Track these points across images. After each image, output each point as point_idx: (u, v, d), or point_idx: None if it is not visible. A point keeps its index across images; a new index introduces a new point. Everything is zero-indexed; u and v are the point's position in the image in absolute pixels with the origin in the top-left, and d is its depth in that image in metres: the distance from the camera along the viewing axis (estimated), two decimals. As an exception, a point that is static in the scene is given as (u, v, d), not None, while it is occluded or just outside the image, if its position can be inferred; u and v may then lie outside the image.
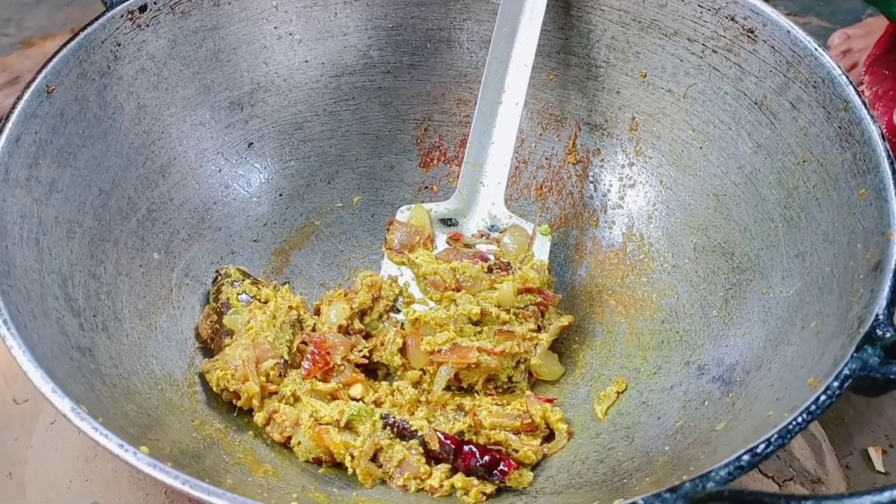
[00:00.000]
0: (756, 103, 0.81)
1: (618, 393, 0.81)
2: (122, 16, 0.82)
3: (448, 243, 0.89)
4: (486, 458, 0.74)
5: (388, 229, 0.90)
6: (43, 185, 0.74)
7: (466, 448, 0.74)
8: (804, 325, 0.69)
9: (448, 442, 0.75)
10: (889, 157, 0.69)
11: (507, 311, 0.82)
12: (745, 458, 0.56)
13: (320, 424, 0.76)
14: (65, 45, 0.78)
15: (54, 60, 0.77)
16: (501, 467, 0.74)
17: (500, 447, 0.76)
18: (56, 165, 0.76)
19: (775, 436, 0.57)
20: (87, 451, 0.82)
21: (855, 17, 1.46)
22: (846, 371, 0.59)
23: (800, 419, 0.58)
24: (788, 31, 0.78)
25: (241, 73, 0.90)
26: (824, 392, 0.59)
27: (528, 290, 0.83)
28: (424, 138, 0.97)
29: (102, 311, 0.76)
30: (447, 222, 0.90)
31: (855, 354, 0.60)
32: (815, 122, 0.76)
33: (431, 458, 0.75)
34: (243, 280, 0.86)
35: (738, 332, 0.77)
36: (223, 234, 0.90)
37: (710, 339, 0.79)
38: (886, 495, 0.47)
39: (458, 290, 0.84)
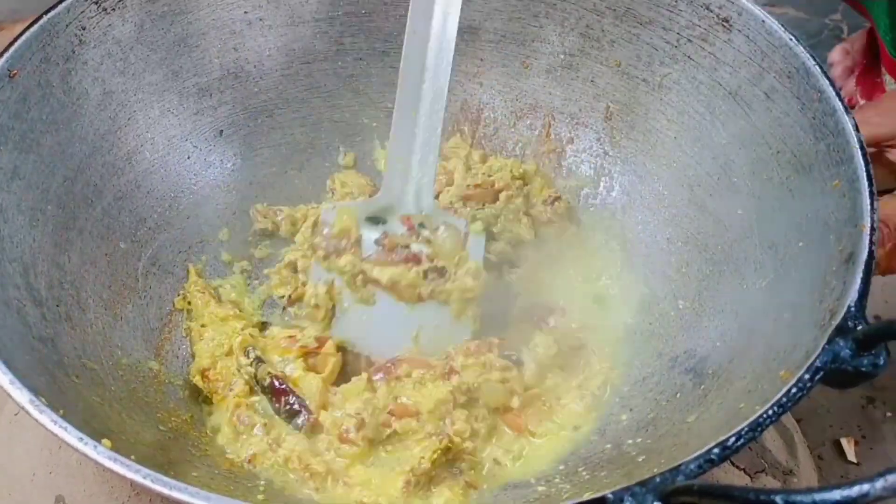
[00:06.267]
0: (730, 93, 0.80)
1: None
2: (87, -1, 0.80)
3: (377, 243, 0.82)
4: (296, 401, 0.76)
5: (312, 232, 0.87)
6: (4, 172, 0.72)
7: (283, 387, 0.77)
8: (776, 317, 0.69)
9: (273, 380, 0.77)
10: (862, 148, 0.68)
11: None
12: (716, 451, 0.56)
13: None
14: (27, 28, 0.76)
15: (16, 44, 0.75)
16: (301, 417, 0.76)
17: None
18: (18, 151, 0.74)
19: (746, 429, 0.57)
20: (51, 444, 0.80)
21: (831, 6, 1.46)
22: (818, 363, 0.59)
23: (771, 412, 0.57)
24: (763, 21, 0.77)
25: (210, 58, 0.88)
26: (795, 384, 0.58)
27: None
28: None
29: (66, 301, 0.74)
30: (375, 221, 0.83)
31: (826, 347, 0.60)
32: (790, 113, 0.75)
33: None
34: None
35: (710, 323, 0.77)
36: (192, 223, 0.88)
37: (683, 330, 0.79)
38: (856, 489, 0.47)
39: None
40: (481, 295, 0.81)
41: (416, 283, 0.80)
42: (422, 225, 0.81)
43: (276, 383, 0.78)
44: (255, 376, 0.79)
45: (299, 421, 0.76)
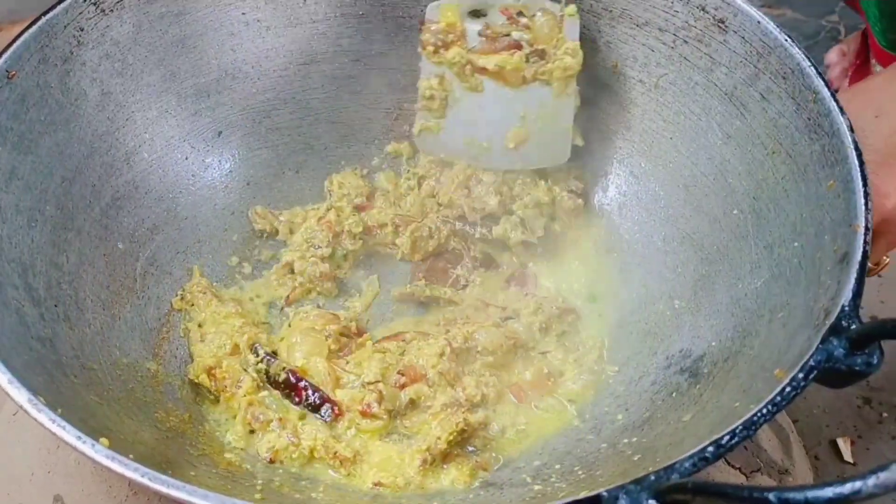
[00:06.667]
0: (726, 94, 0.80)
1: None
2: (85, 0, 0.80)
3: (480, 34, 0.86)
4: (317, 395, 0.78)
5: (420, 30, 0.89)
6: (3, 173, 0.73)
7: (301, 384, 0.78)
8: (771, 317, 0.69)
9: (289, 376, 0.79)
10: (857, 149, 0.68)
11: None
12: (710, 449, 0.56)
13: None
14: (25, 29, 0.77)
15: (15, 45, 0.75)
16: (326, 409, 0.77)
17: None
18: (17, 152, 0.74)
19: (740, 427, 0.57)
20: (49, 443, 0.80)
21: (828, 8, 1.47)
22: (812, 362, 0.59)
23: (765, 410, 0.58)
24: (759, 22, 0.78)
25: (208, 59, 0.89)
26: (790, 383, 0.59)
27: None
28: (395, 127, 0.96)
29: (64, 301, 0.74)
30: (476, 14, 0.87)
31: (821, 346, 0.60)
32: (785, 114, 0.75)
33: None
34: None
35: (706, 323, 0.77)
36: (189, 224, 0.89)
37: (679, 330, 0.79)
38: (848, 487, 0.47)
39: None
40: (580, 72, 0.86)
41: (520, 67, 0.85)
42: (520, 13, 0.86)
43: (293, 378, 0.79)
44: (268, 372, 0.80)
45: (323, 413, 0.78)
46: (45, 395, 0.60)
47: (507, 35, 0.86)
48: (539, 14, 0.85)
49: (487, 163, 0.90)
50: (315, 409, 0.78)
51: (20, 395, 0.59)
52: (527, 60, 0.85)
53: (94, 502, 0.77)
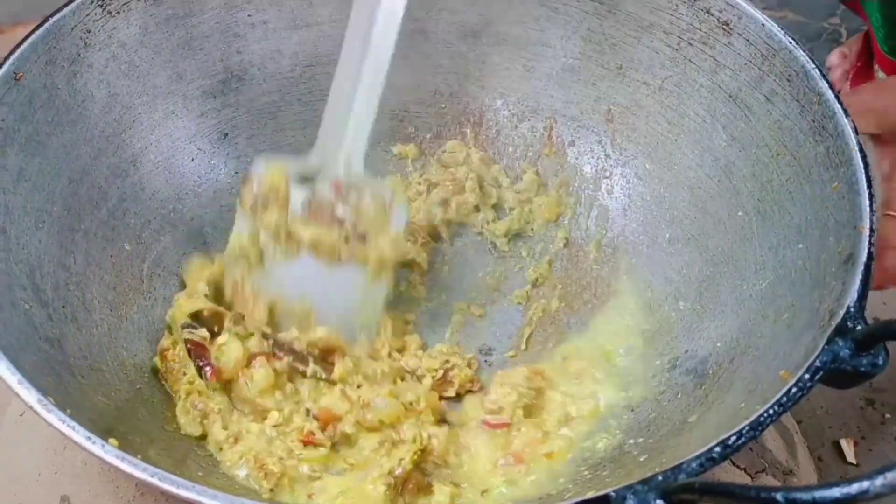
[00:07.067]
0: (731, 96, 0.81)
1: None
2: (92, 2, 0.80)
3: (304, 203, 0.81)
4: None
5: (242, 184, 0.85)
6: (10, 174, 0.73)
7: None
8: (776, 318, 0.70)
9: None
10: (861, 150, 0.69)
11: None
12: (717, 450, 0.57)
13: None
14: (33, 31, 0.77)
15: (22, 47, 0.75)
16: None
17: None
18: (24, 154, 0.75)
19: (747, 428, 0.57)
20: (56, 444, 0.81)
21: (830, 10, 1.47)
22: (817, 363, 0.60)
23: (771, 411, 0.58)
24: (763, 25, 0.78)
25: (213, 61, 0.89)
26: (795, 384, 0.59)
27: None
28: (400, 129, 0.96)
29: (72, 302, 0.75)
30: (304, 180, 0.83)
31: (826, 347, 0.60)
32: (789, 116, 0.76)
33: None
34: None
35: (711, 324, 0.77)
36: (196, 225, 0.89)
37: (684, 331, 0.79)
38: (855, 487, 0.47)
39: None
40: (397, 262, 0.84)
41: (337, 245, 0.81)
42: (349, 190, 0.82)
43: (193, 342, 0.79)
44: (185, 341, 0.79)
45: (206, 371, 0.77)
46: (53, 396, 0.60)
47: (332, 209, 0.82)
48: (369, 195, 0.82)
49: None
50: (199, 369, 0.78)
51: (30, 396, 0.59)
52: (346, 240, 0.81)
53: (102, 503, 0.77)
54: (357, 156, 0.82)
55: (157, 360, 0.80)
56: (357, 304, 0.83)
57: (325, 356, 0.81)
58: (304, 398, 0.78)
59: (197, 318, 0.81)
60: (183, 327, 0.80)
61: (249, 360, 0.78)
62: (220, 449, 0.74)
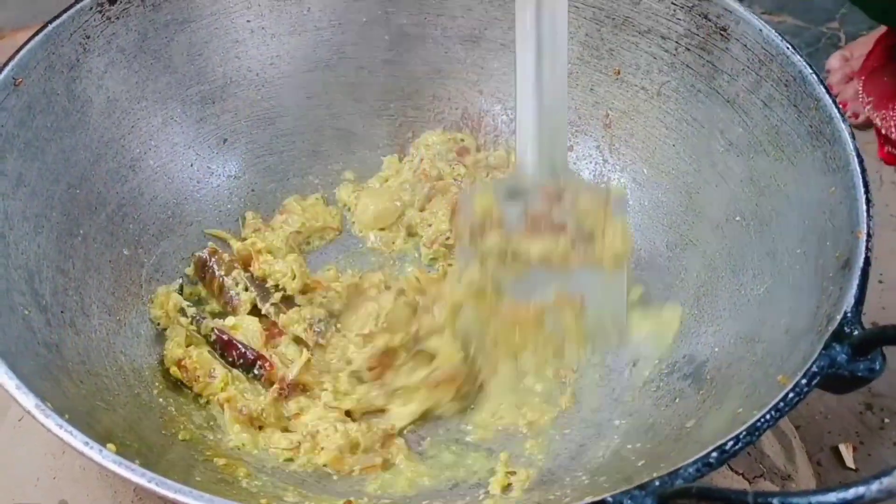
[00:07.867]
0: (728, 101, 0.81)
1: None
2: (91, 8, 0.81)
3: (519, 218, 0.78)
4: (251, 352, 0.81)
5: (451, 218, 0.84)
6: (9, 179, 0.73)
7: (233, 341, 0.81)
8: (774, 323, 0.70)
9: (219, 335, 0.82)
10: (858, 155, 0.69)
11: None
12: (714, 455, 0.57)
13: None
14: (32, 36, 0.77)
15: (21, 52, 0.76)
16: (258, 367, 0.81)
17: None
18: (23, 159, 0.75)
19: (744, 433, 0.57)
20: (54, 449, 0.81)
21: (829, 15, 1.47)
22: (814, 368, 0.60)
23: (768, 416, 0.58)
24: (760, 30, 0.78)
25: (212, 67, 0.89)
26: (793, 389, 0.59)
27: None
28: (399, 134, 0.97)
29: (70, 307, 0.75)
30: (513, 194, 0.79)
31: (823, 352, 0.60)
32: (787, 121, 0.76)
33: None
34: None
35: (709, 329, 0.77)
36: (194, 230, 0.89)
37: (682, 336, 0.79)
38: (852, 492, 0.48)
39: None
40: (632, 255, 0.82)
41: (567, 252, 0.77)
42: (564, 192, 0.78)
43: (221, 335, 0.82)
44: (200, 331, 0.82)
45: (256, 371, 0.81)
46: (51, 401, 0.60)
47: (549, 216, 0.77)
48: (585, 192, 0.78)
49: None
50: (247, 367, 0.81)
51: (28, 401, 0.59)
52: (573, 245, 0.77)
53: (100, 507, 0.77)
54: (561, 157, 0.78)
55: (174, 370, 0.80)
56: (604, 309, 0.79)
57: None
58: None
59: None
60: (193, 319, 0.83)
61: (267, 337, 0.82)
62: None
